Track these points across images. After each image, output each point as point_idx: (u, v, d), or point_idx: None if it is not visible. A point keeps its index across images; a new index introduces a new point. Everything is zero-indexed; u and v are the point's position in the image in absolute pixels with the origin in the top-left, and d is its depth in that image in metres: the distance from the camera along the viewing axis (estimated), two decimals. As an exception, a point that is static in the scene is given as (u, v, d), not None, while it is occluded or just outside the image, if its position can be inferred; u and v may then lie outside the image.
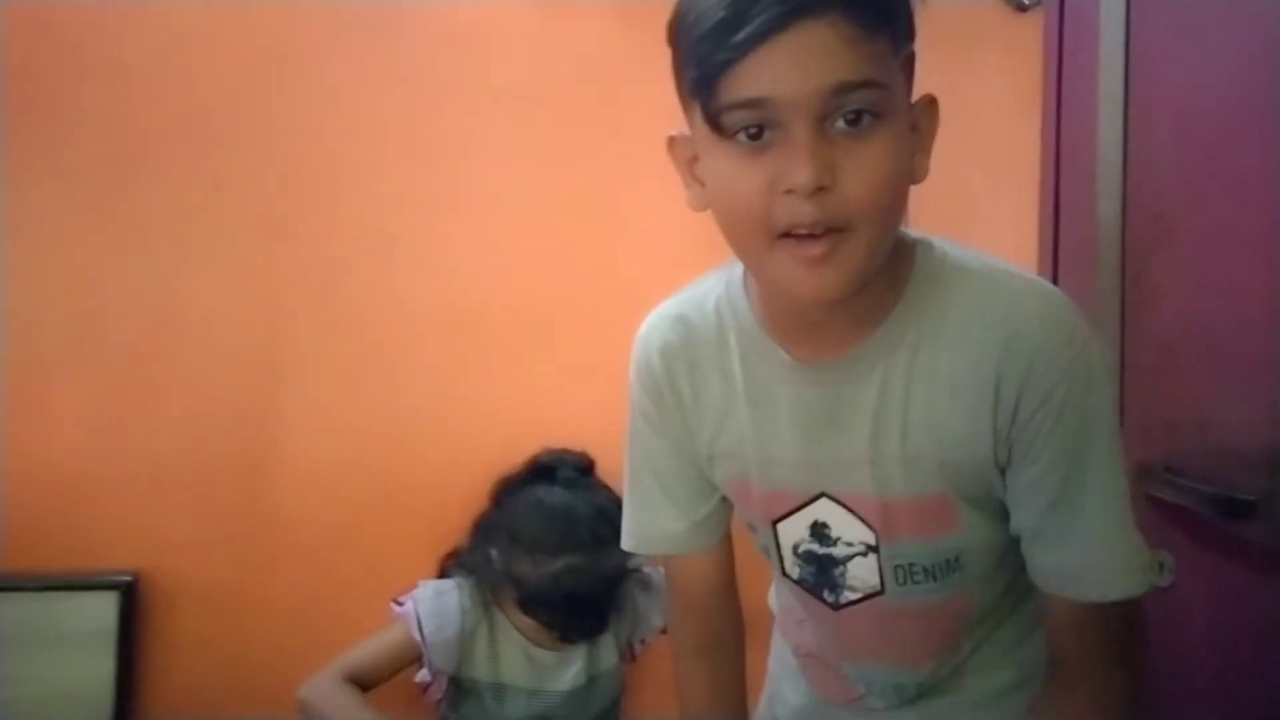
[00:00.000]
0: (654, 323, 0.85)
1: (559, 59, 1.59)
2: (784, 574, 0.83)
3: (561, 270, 1.59)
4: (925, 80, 1.75)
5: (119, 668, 1.40)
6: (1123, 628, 0.74)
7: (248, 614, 1.50)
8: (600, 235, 1.61)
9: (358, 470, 1.53)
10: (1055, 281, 1.31)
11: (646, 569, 1.37)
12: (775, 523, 0.81)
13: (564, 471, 1.31)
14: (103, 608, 1.40)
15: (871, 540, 0.77)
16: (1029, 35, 1.60)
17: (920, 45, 1.89)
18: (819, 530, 0.79)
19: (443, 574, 1.37)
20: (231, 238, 1.52)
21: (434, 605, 1.25)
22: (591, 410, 1.47)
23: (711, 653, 0.90)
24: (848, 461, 0.75)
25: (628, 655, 1.34)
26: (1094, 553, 0.70)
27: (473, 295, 1.57)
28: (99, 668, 1.39)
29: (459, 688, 1.28)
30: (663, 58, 1.74)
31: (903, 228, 0.75)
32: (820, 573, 0.80)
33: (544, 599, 1.19)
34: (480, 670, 1.26)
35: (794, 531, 0.80)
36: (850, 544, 0.78)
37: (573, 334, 1.59)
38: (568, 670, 1.28)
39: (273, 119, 1.53)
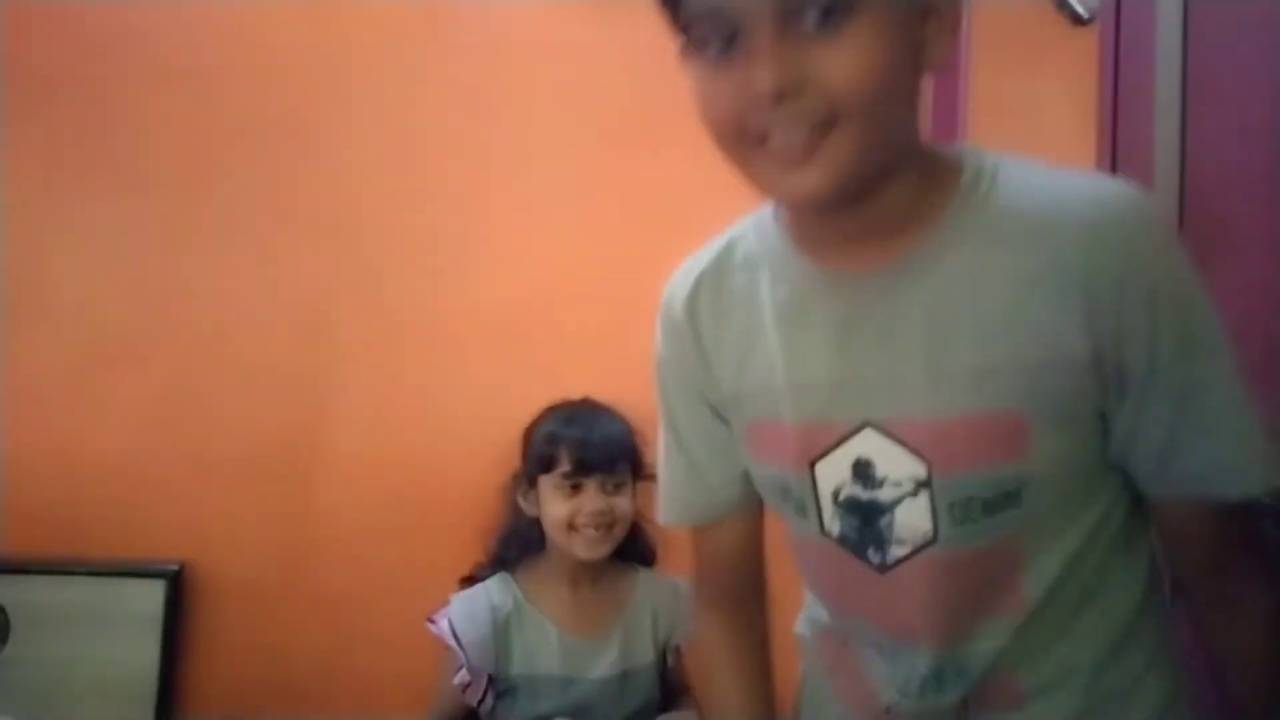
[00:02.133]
0: (680, 269, 0.82)
1: (605, 66, 1.61)
2: (823, 532, 0.74)
3: (605, 275, 1.60)
4: (985, 91, 1.74)
5: (164, 654, 1.43)
6: (1254, 533, 0.70)
7: (289, 607, 1.52)
8: (644, 241, 1.61)
9: (400, 469, 1.55)
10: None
11: (678, 581, 1.37)
12: (813, 464, 0.72)
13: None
14: (150, 595, 1.44)
15: (922, 474, 0.67)
16: (1087, 47, 1.58)
17: (979, 57, 1.87)
18: (862, 470, 0.70)
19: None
20: (284, 241, 1.56)
21: (464, 609, 1.28)
22: (632, 413, 1.47)
23: (731, 609, 0.86)
24: (897, 378, 0.67)
25: (661, 662, 1.34)
26: (1231, 447, 0.65)
27: (517, 298, 1.59)
28: (145, 653, 1.43)
29: (494, 686, 1.28)
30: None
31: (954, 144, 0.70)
32: (864, 525, 0.72)
33: (559, 431, 1.27)
34: (515, 665, 1.26)
35: (834, 474, 0.71)
36: (898, 483, 0.69)
37: (615, 337, 1.59)
38: (601, 659, 1.28)
39: (327, 127, 1.57)
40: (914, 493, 0.68)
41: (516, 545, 1.33)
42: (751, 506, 0.82)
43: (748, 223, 0.79)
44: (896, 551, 0.71)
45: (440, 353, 1.58)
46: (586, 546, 1.25)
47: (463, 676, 1.26)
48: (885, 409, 0.68)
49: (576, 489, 1.25)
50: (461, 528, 1.51)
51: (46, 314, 1.52)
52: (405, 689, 1.51)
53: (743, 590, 0.87)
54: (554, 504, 1.26)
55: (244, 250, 1.55)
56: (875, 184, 0.64)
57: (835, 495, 0.72)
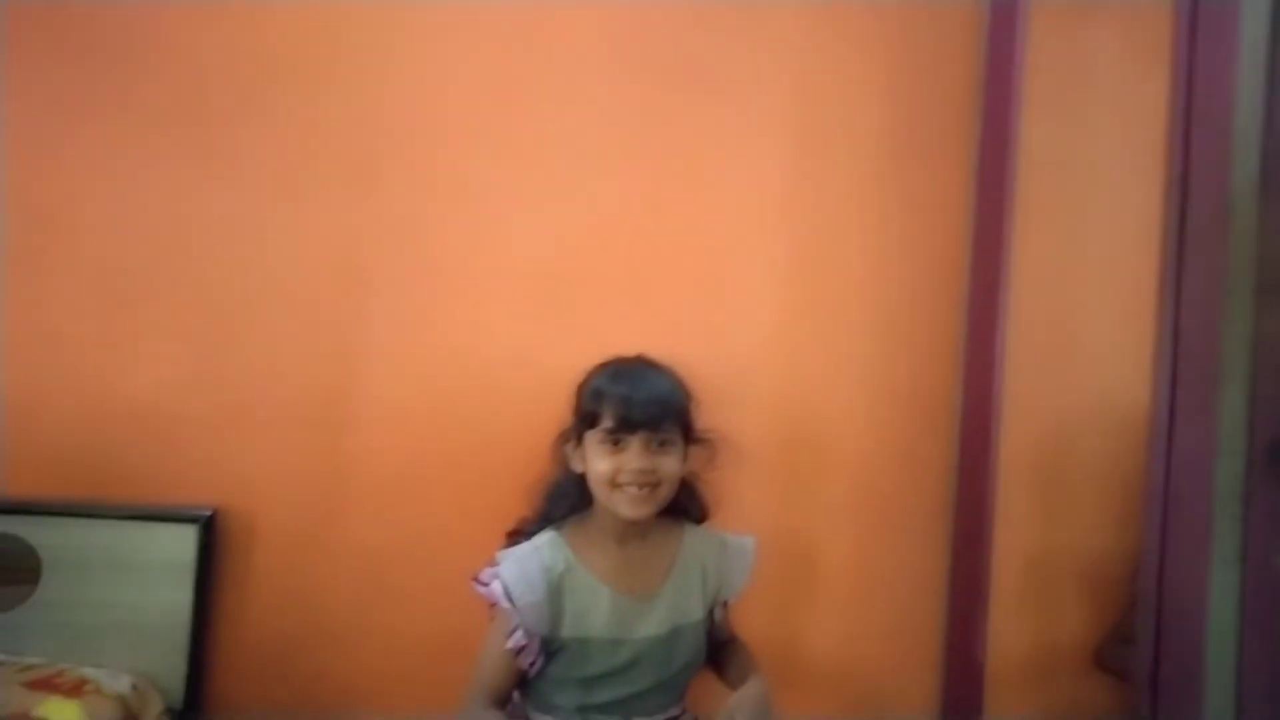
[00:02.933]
0: None
1: (650, 7, 1.55)
2: None
3: (646, 225, 1.56)
4: (1044, 40, 1.66)
5: (196, 599, 1.42)
6: None
7: (322, 556, 1.50)
8: (686, 192, 1.57)
9: (439, 419, 1.53)
10: (1181, 262, 1.21)
11: (724, 535, 1.34)
12: None
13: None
14: (182, 540, 1.42)
15: None
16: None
17: (1038, 3, 1.78)
18: None
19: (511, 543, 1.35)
20: (322, 183, 1.52)
21: (518, 570, 1.24)
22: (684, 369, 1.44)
23: None
24: None
25: (708, 619, 1.31)
26: None
27: (558, 246, 1.55)
28: (177, 598, 1.41)
29: (544, 648, 1.27)
30: (752, 20, 1.68)
31: None
32: None
33: (605, 387, 1.23)
34: (566, 627, 1.24)
35: None
36: None
37: (656, 288, 1.56)
38: (650, 618, 1.25)
39: (368, 69, 1.53)
40: None
41: (565, 502, 1.30)
42: None
43: None
44: None
45: (479, 301, 1.54)
46: (629, 504, 1.22)
47: (518, 639, 1.24)
48: None
49: (620, 446, 1.22)
50: (499, 483, 1.48)
51: (76, 254, 1.49)
52: (436, 644, 1.50)
53: None
54: (598, 460, 1.23)
55: (278, 190, 1.51)
56: None
57: None
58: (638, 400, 1.22)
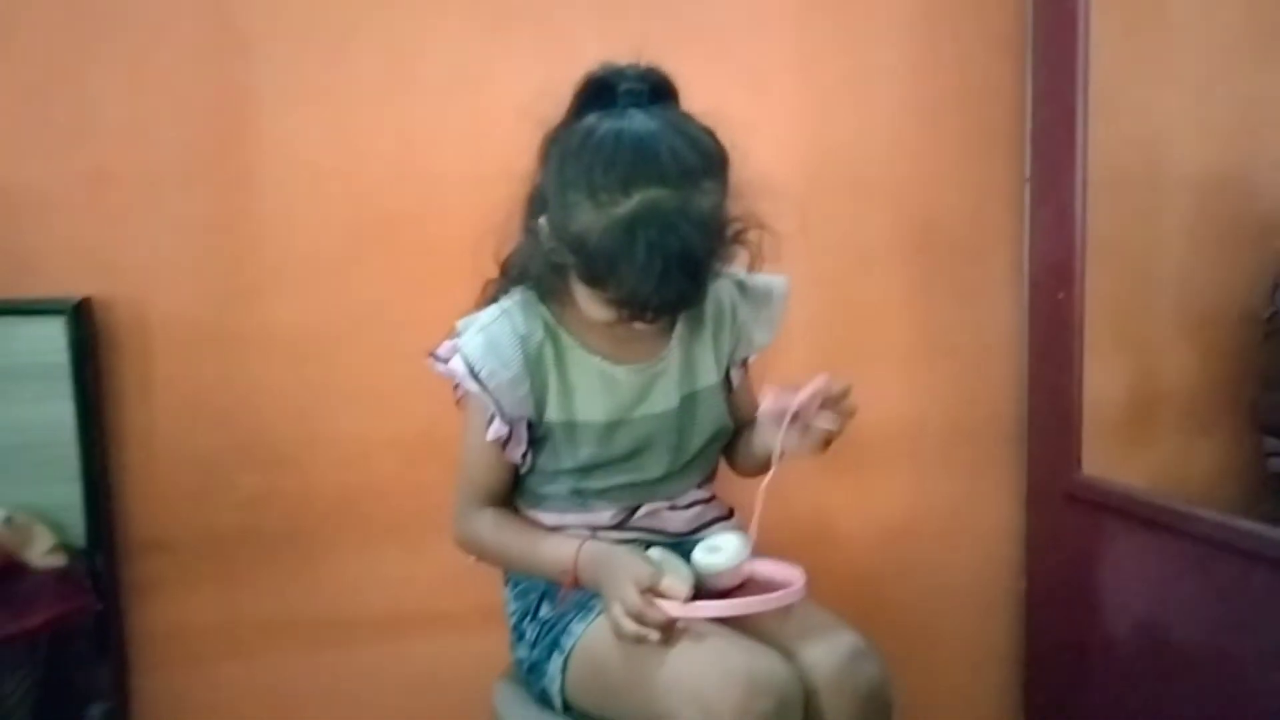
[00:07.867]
0: None
1: None
2: None
3: None
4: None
5: (80, 412, 1.10)
6: None
7: (241, 350, 1.18)
8: None
9: (366, 164, 1.18)
10: None
11: (743, 274, 1.00)
12: None
13: (627, 86, 0.87)
14: (48, 337, 1.09)
15: None
16: None
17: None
18: None
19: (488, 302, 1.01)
20: None
21: (483, 341, 0.91)
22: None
23: None
24: None
25: (725, 383, 1.00)
26: None
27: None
28: (55, 413, 1.10)
29: (532, 434, 0.96)
30: None
31: None
32: None
33: (615, 254, 0.81)
34: (551, 409, 0.93)
35: None
36: None
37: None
38: (655, 389, 0.95)
39: None
40: None
41: (540, 262, 0.95)
42: None
43: None
44: None
45: (406, 11, 1.16)
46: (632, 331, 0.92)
47: (498, 429, 0.92)
48: None
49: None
50: (450, 243, 1.13)
51: None
52: (404, 445, 1.21)
53: None
54: (593, 307, 0.88)
55: None
56: None
57: None
58: (662, 296, 0.83)
